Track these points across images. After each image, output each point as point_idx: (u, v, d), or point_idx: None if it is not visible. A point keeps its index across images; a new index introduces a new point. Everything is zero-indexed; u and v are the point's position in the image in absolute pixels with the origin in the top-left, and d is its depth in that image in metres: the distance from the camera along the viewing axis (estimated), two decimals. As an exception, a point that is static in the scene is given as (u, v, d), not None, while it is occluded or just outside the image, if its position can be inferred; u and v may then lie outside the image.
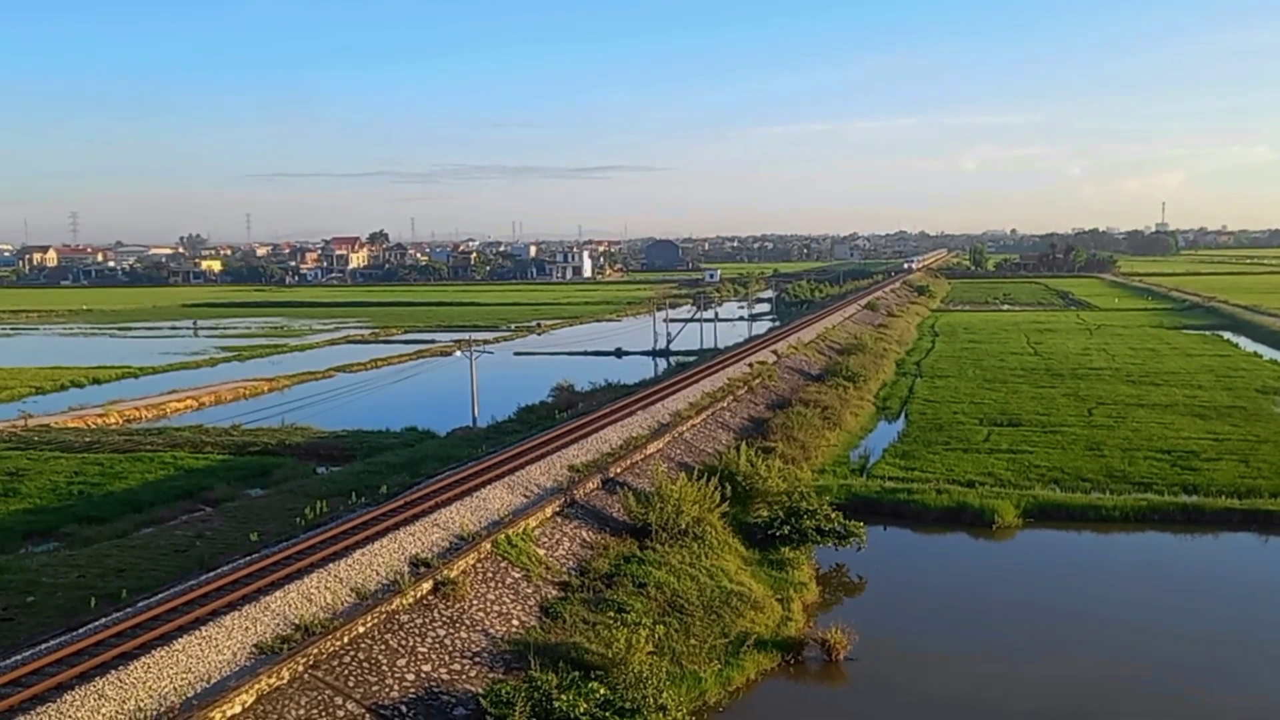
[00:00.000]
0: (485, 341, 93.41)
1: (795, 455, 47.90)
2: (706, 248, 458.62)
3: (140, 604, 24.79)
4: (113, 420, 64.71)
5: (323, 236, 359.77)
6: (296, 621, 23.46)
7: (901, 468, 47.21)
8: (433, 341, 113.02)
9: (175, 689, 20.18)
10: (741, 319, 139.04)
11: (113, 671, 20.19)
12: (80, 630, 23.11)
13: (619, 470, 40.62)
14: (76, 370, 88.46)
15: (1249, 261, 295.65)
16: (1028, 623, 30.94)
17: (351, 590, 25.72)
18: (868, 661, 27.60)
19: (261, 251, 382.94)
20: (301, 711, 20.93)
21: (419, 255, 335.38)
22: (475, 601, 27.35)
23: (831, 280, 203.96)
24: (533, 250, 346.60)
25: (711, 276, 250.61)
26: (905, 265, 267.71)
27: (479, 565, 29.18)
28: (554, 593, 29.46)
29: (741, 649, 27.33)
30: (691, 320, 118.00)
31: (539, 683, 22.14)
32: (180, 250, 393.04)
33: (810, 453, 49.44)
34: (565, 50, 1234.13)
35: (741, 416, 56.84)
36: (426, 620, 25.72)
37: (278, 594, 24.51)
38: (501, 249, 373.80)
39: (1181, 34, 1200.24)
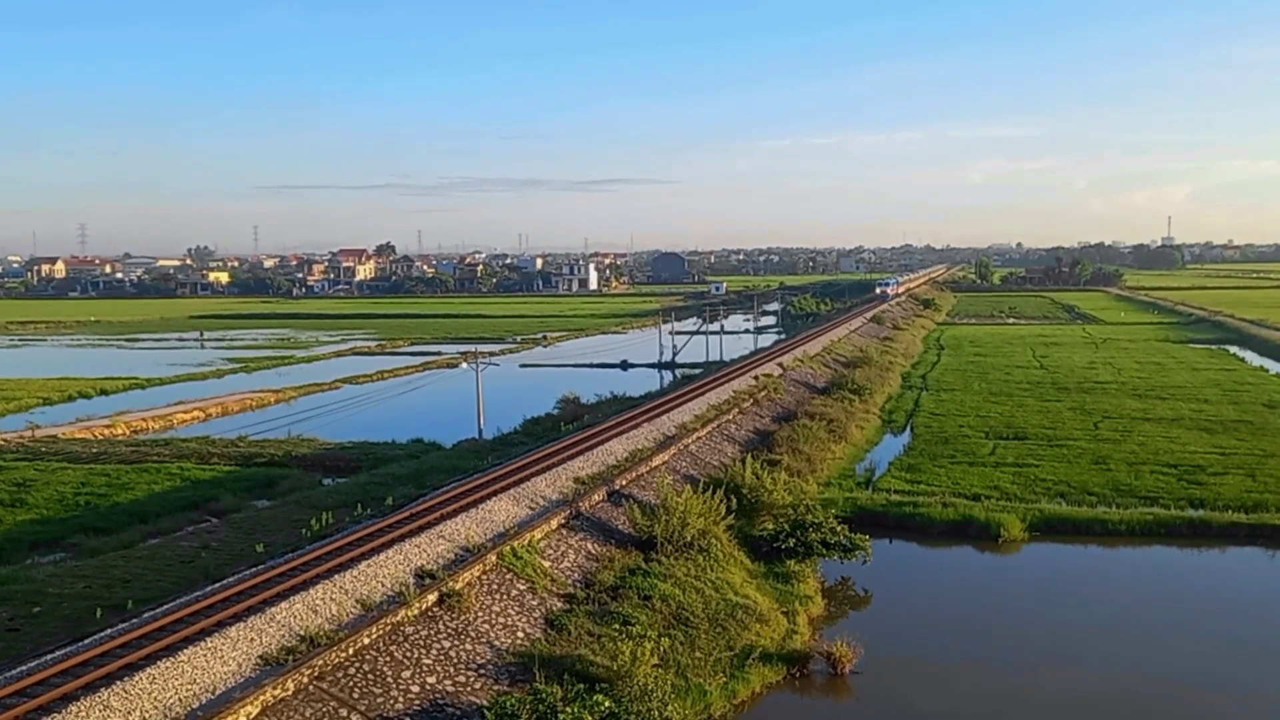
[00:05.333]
0: (491, 353, 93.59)
1: (801, 468, 47.86)
2: (712, 260, 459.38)
3: (146, 615, 24.86)
4: (120, 431, 64.89)
5: (330, 248, 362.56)
6: (302, 633, 23.50)
7: (907, 481, 47.16)
8: (439, 353, 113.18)
9: (180, 700, 20.22)
10: (747, 331, 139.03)
11: (118, 682, 20.24)
12: (86, 641, 23.18)
13: (624, 483, 40.63)
14: (84, 381, 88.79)
15: (1255, 276, 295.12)
16: (1034, 636, 30.86)
17: (357, 602, 25.75)
18: (873, 675, 27.56)
19: (269, 263, 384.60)
20: (306, 723, 20.94)
21: (426, 267, 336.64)
22: (480, 613, 27.37)
23: (837, 293, 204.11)
24: (539, 263, 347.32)
25: (717, 289, 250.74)
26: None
27: (484, 577, 29.20)
28: (559, 605, 29.46)
29: (747, 662, 27.30)
30: (697, 333, 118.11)
31: (544, 695, 22.13)
32: (188, 262, 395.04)
33: (816, 466, 49.42)
34: (572, 63, 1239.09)
35: (747, 429, 56.82)
36: (431, 632, 25.74)
37: (283, 605, 24.55)
38: (508, 261, 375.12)
39: (1188, 47, 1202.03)
